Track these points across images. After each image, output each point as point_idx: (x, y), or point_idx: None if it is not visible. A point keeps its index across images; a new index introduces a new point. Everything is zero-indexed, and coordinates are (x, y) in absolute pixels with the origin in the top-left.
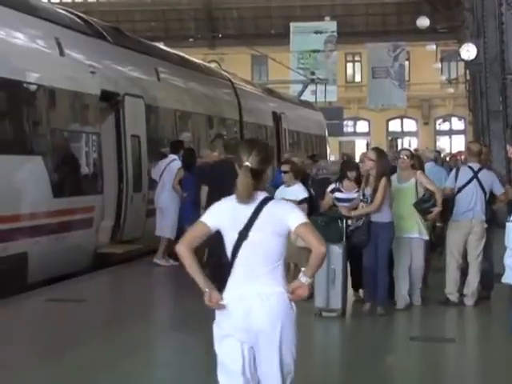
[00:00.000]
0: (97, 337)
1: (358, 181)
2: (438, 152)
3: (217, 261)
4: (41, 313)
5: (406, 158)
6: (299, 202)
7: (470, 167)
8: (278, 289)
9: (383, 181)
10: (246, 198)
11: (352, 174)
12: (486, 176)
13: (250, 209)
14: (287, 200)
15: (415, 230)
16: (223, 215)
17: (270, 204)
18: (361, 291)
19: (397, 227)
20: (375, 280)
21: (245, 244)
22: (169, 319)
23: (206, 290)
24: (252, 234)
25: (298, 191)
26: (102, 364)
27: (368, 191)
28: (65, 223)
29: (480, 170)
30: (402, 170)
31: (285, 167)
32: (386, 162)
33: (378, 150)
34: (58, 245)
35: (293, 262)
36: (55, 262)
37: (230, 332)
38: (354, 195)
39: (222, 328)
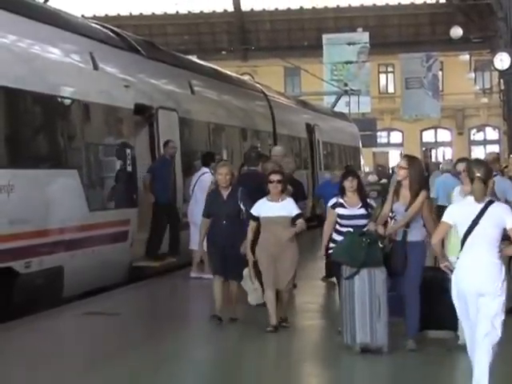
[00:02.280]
0: (132, 350)
1: (360, 192)
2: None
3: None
4: (77, 326)
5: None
6: (294, 219)
7: None
8: (496, 260)
9: (422, 194)
10: (481, 199)
11: (348, 184)
12: (498, 183)
13: (478, 207)
14: (279, 217)
15: None
16: (458, 213)
17: (493, 205)
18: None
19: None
20: (416, 308)
21: (473, 231)
22: (203, 332)
23: (445, 261)
24: (479, 225)
25: (292, 207)
26: (137, 376)
27: (399, 206)
28: (100, 237)
29: (494, 176)
30: (466, 184)
31: (276, 176)
32: (421, 171)
33: (410, 158)
34: (93, 258)
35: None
36: (91, 275)
37: (461, 289)
38: (359, 211)
39: (457, 287)
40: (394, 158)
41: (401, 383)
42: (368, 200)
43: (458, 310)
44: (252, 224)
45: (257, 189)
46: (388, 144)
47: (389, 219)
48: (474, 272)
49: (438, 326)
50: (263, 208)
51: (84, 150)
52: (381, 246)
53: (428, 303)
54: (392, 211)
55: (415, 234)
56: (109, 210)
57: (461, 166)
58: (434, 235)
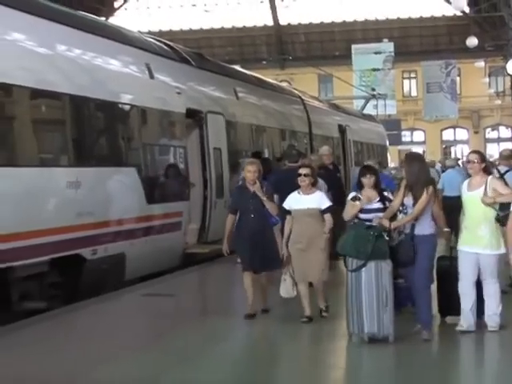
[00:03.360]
0: (184, 327)
1: (377, 187)
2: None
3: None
4: (137, 306)
5: (475, 161)
6: (324, 211)
7: (497, 169)
8: None
9: (428, 191)
10: None
11: (366, 181)
12: (509, 176)
13: None
14: (309, 209)
15: (482, 244)
16: None
17: None
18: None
19: (463, 239)
20: (427, 299)
21: None
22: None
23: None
24: None
25: (321, 199)
26: (187, 350)
27: (409, 201)
28: (157, 226)
29: (507, 171)
30: (473, 176)
31: (303, 170)
32: (422, 168)
33: (410, 156)
34: (151, 246)
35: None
36: (149, 261)
37: None
38: (376, 205)
39: None
40: None
41: (414, 369)
42: (385, 193)
43: None
44: (288, 218)
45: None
46: (411, 142)
47: (398, 213)
48: None
49: (456, 311)
50: (294, 201)
51: (142, 150)
52: (387, 238)
53: (446, 291)
54: (403, 205)
55: (424, 229)
56: (164, 203)
57: (471, 157)
58: (509, 222)
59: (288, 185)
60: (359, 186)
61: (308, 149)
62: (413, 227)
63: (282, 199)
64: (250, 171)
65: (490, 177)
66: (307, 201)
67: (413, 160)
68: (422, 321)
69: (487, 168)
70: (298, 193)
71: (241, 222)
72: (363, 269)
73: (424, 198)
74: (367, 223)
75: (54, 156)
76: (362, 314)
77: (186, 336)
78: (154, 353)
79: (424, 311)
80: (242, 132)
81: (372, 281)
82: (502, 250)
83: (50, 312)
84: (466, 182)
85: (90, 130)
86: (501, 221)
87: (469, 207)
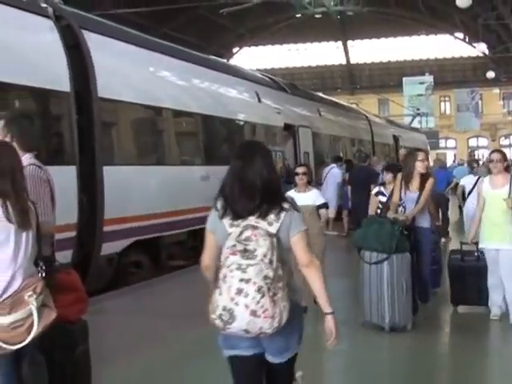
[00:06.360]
0: None
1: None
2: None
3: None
4: None
5: (499, 161)
6: (318, 208)
7: None
8: None
9: (430, 182)
10: None
11: (388, 178)
12: None
13: None
14: (305, 206)
15: (506, 239)
16: None
17: None
18: None
19: (487, 235)
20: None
21: None
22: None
23: None
24: None
25: (316, 196)
26: None
27: (411, 195)
28: None
29: None
30: (495, 174)
31: (301, 169)
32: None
33: (407, 153)
34: None
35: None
36: None
37: None
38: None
39: None
40: (450, 156)
41: (433, 355)
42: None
43: None
44: None
45: (366, 177)
46: (446, 147)
47: (399, 208)
48: None
49: (469, 301)
50: (295, 198)
51: None
52: (405, 233)
53: (457, 283)
54: (400, 199)
55: (424, 222)
56: None
57: (495, 156)
58: None
59: (359, 179)
60: (382, 182)
61: (371, 152)
62: (414, 220)
63: (354, 191)
64: None
65: None
66: (304, 198)
67: (408, 155)
68: (421, 300)
69: (508, 167)
70: (295, 191)
71: None
72: (385, 262)
73: (428, 187)
74: (386, 218)
75: (191, 158)
76: (384, 305)
77: None
78: None
79: (423, 293)
80: (324, 140)
81: (394, 273)
82: None
83: (186, 268)
84: (486, 180)
85: (216, 139)
86: None
87: (493, 204)
